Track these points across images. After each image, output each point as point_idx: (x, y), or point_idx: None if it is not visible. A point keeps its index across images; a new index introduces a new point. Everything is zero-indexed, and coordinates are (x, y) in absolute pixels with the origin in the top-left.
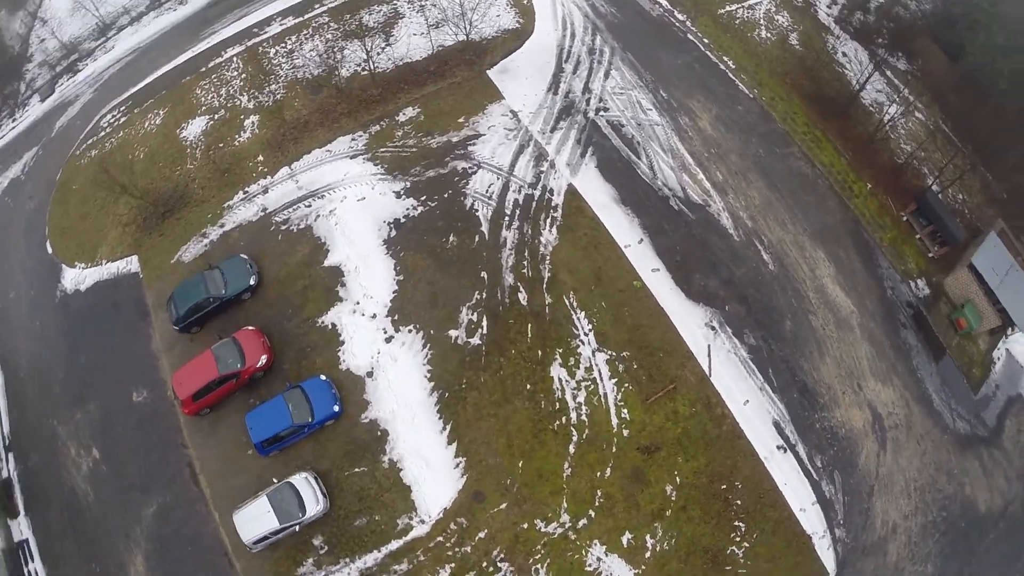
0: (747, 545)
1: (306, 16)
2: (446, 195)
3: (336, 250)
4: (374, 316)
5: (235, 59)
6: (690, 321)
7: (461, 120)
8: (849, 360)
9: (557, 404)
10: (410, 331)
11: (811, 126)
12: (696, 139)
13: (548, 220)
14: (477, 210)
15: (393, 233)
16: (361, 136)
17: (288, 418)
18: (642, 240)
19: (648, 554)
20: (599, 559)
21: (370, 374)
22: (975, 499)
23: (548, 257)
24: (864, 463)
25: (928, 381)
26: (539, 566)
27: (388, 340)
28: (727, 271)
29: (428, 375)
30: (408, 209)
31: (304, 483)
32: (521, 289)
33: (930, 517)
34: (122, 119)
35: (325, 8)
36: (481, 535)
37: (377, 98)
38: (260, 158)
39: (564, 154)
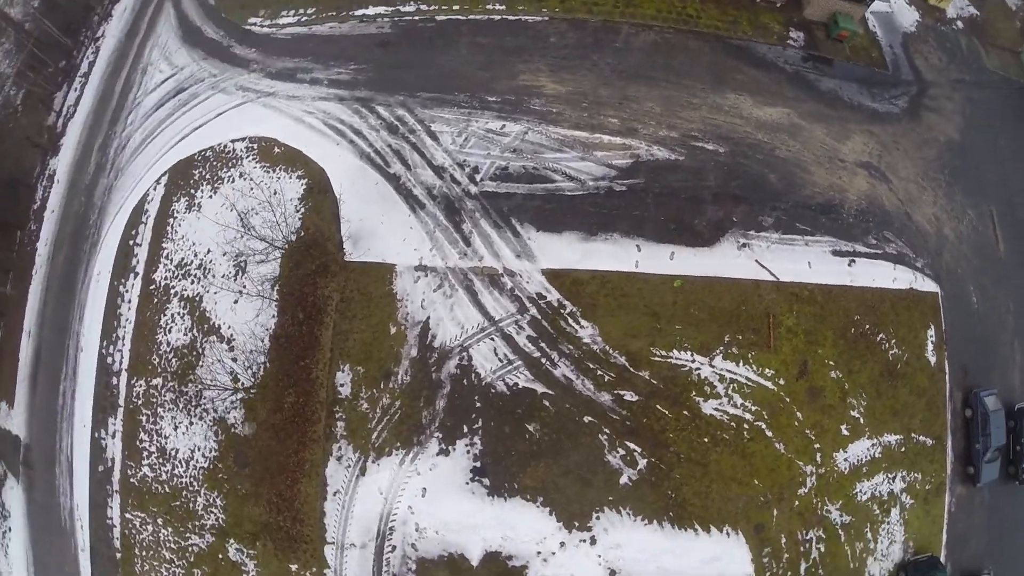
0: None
1: None
2: (477, 404)
3: None
4: None
5: None
6: (730, 263)
7: (395, 330)
8: (822, 147)
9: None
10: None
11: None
12: (562, 109)
13: (568, 320)
14: (516, 383)
15: (484, 481)
16: None
17: None
18: (638, 247)
19: (863, 420)
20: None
21: None
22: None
23: (607, 347)
24: (883, 199)
25: (864, 100)
26: None
27: None
28: (703, 193)
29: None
30: (469, 445)
31: None
32: (624, 391)
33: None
34: None
35: None
36: None
37: None
38: None
39: (503, 250)
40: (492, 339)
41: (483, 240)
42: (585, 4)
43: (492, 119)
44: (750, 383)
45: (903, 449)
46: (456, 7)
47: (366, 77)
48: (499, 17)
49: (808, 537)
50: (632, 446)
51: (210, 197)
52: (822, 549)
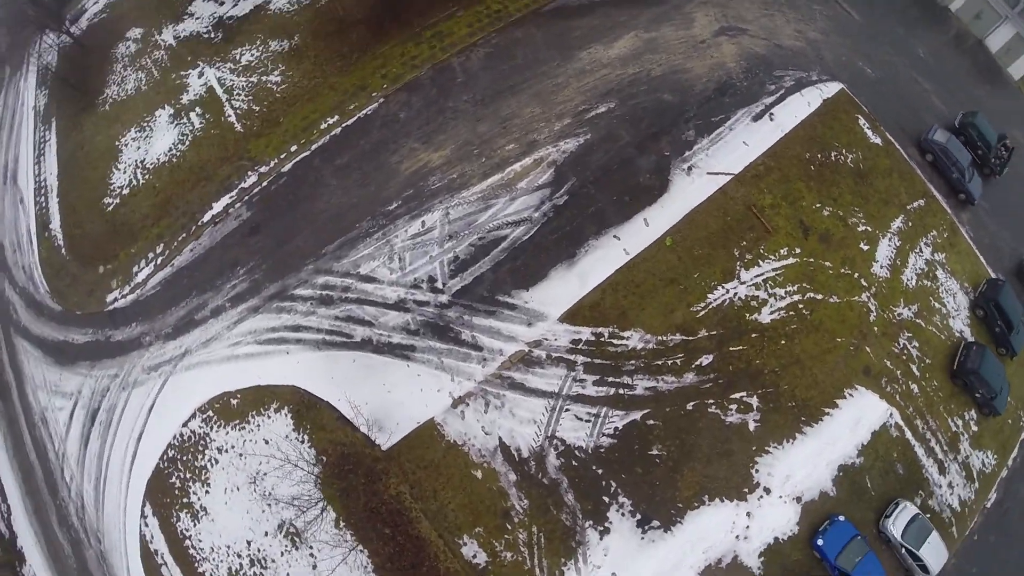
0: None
1: None
2: (599, 471)
3: None
4: None
5: None
6: (691, 191)
7: (480, 473)
8: (680, 42)
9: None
10: None
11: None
12: (461, 169)
13: (613, 341)
14: (614, 427)
15: (654, 523)
16: None
17: None
18: (615, 236)
19: (870, 227)
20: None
21: None
22: None
23: (658, 337)
24: (753, 48)
25: None
26: None
27: None
28: (627, 152)
29: None
30: (619, 509)
31: None
32: (698, 359)
33: None
34: None
35: None
36: None
37: None
38: None
39: (513, 329)
40: (567, 409)
41: (489, 335)
42: (404, 64)
43: (408, 223)
44: (778, 271)
45: (909, 223)
46: (294, 147)
47: (262, 272)
48: (339, 130)
49: (901, 345)
50: (737, 395)
51: (207, 493)
52: (916, 345)
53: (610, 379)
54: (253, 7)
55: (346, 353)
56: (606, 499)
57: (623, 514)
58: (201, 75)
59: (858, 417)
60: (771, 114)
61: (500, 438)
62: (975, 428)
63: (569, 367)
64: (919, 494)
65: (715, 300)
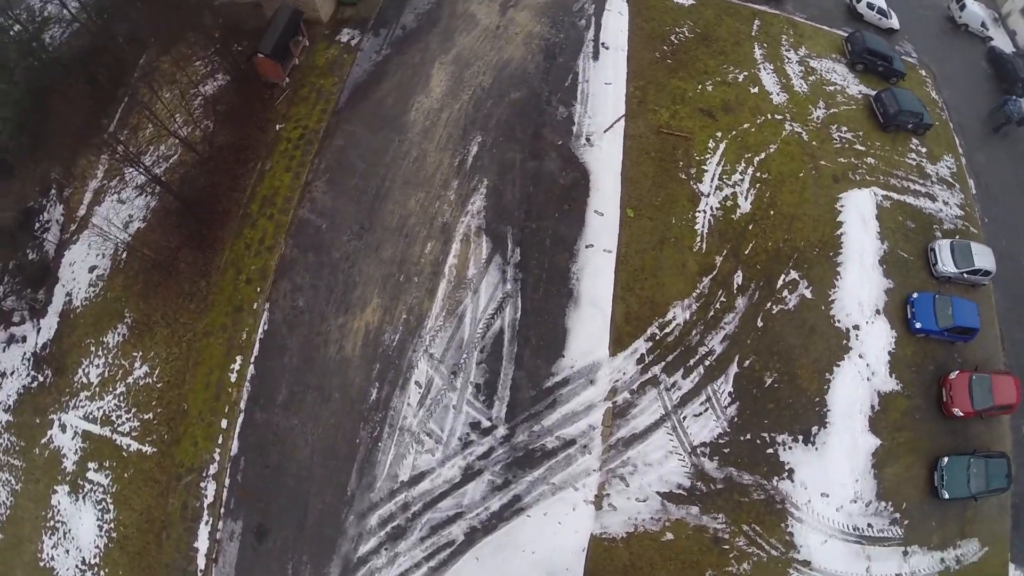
0: None
1: None
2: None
3: None
4: None
5: None
6: (604, 157)
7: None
8: None
9: None
10: None
11: None
12: (401, 315)
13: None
14: (727, 390)
15: None
16: None
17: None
18: (588, 245)
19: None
20: None
21: None
22: None
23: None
24: None
25: None
26: None
27: None
28: (528, 141)
29: None
30: None
31: None
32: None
33: None
34: None
35: None
36: None
37: None
38: None
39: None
40: (683, 417)
41: (568, 423)
42: (258, 254)
43: (403, 397)
44: (720, 163)
45: (765, 45)
46: (223, 423)
47: (309, 567)
48: (252, 368)
49: (837, 138)
50: (780, 283)
51: None
52: (844, 129)
53: (691, 361)
54: (58, 319)
55: (464, 559)
56: (769, 450)
57: (789, 447)
58: (63, 428)
59: (860, 215)
60: (603, 44)
61: (657, 492)
62: (924, 150)
63: (654, 383)
64: (935, 229)
65: (702, 227)
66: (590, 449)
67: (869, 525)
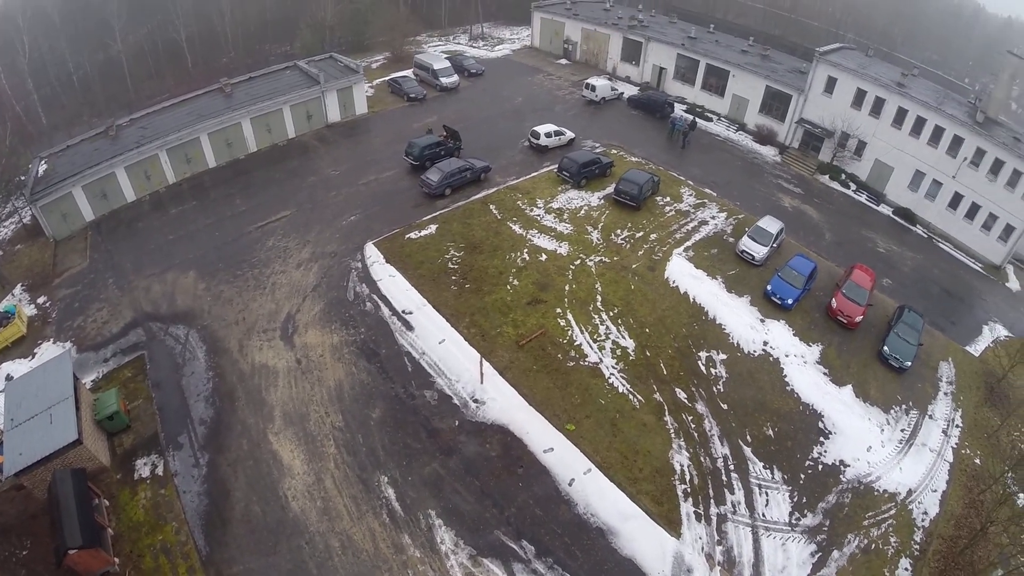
0: None
1: None
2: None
3: None
4: None
5: None
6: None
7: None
8: None
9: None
10: None
11: None
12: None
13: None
14: None
15: None
16: None
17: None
18: (570, 482)
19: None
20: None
21: None
22: None
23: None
24: None
25: None
26: None
27: None
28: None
29: None
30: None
31: None
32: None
33: None
34: None
35: None
36: None
37: None
38: None
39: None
40: (759, 528)
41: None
42: None
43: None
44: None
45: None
46: None
47: None
48: None
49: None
50: (704, 354)
51: None
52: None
53: (723, 477)
54: None
55: None
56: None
57: (825, 448)
58: None
59: (688, 275)
60: (403, 312)
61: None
62: (668, 198)
63: (723, 519)
64: (726, 237)
65: (621, 386)
66: None
67: None
